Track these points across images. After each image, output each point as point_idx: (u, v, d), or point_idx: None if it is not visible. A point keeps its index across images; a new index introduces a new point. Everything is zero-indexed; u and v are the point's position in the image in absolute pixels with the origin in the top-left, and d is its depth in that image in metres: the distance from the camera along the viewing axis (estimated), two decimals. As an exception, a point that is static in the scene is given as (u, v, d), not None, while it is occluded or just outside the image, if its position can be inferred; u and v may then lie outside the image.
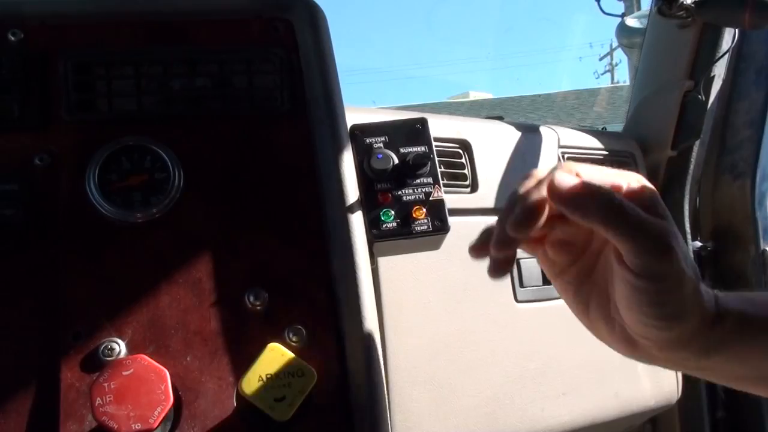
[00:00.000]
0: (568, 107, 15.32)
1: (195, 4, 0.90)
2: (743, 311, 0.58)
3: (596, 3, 1.80)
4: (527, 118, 13.82)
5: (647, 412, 1.45)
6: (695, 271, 0.55)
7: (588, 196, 0.52)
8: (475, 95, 18.31)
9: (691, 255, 1.53)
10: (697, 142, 1.57)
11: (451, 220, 0.90)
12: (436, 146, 0.92)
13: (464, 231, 1.23)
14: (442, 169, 1.18)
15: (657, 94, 1.61)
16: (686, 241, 1.52)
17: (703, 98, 1.51)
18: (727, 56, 1.53)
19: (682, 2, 1.37)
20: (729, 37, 1.51)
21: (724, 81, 1.60)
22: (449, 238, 0.91)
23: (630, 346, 0.59)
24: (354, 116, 1.04)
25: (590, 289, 0.61)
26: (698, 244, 1.60)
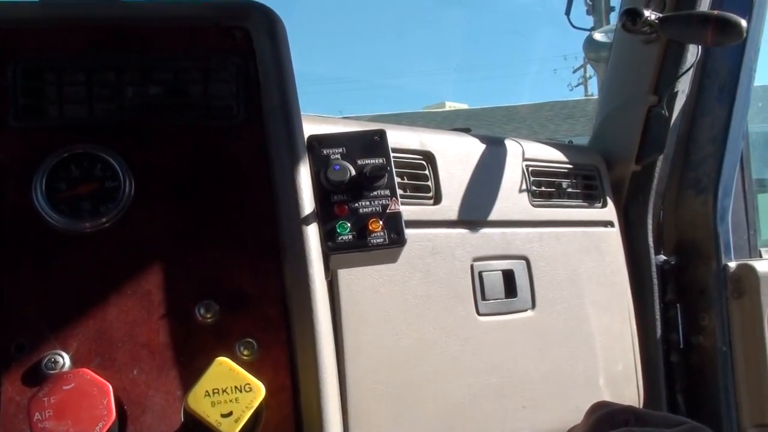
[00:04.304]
0: (542, 118, 15.45)
1: (151, 11, 0.89)
2: None
3: (566, 17, 1.82)
4: (502, 128, 13.90)
5: (609, 425, 1.45)
6: None
7: None
8: (450, 105, 18.39)
9: (654, 269, 1.55)
10: (661, 157, 1.58)
11: (414, 232, 0.89)
12: (399, 157, 0.92)
13: (427, 243, 1.24)
14: (405, 181, 1.17)
15: (622, 109, 1.62)
16: (649, 256, 1.53)
17: (667, 113, 1.53)
18: (690, 72, 1.56)
19: (647, 18, 1.38)
20: (693, 54, 1.53)
21: (688, 97, 1.62)
22: (411, 250, 0.91)
23: None
24: (315, 127, 1.04)
25: None
26: (662, 258, 1.61)
